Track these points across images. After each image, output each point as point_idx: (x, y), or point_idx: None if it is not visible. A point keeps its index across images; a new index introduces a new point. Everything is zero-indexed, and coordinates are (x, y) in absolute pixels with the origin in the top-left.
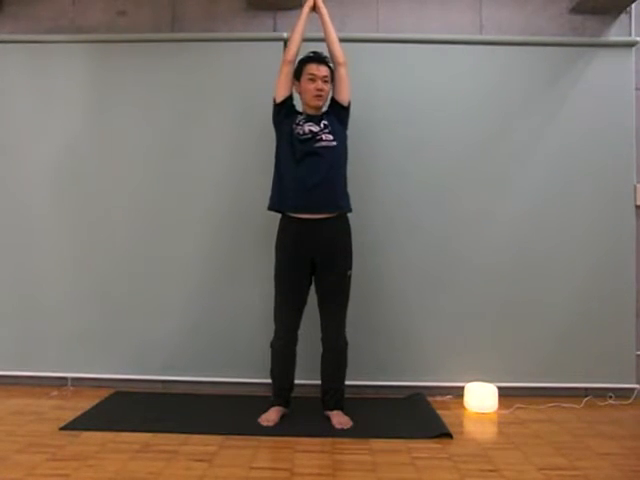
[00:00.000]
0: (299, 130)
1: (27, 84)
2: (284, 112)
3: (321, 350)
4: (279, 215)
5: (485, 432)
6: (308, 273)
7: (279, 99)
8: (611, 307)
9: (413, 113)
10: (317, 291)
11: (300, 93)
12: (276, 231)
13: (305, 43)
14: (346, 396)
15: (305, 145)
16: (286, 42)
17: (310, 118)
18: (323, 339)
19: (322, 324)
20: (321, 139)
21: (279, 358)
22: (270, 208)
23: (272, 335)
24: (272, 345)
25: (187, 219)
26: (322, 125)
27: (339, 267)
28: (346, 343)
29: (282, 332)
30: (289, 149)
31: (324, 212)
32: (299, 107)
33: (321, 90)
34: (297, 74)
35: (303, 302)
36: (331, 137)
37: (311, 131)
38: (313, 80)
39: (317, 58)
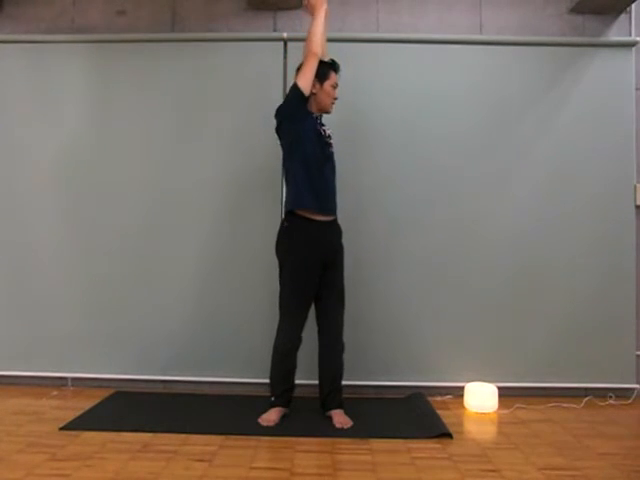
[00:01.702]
0: (322, 131)
1: (27, 84)
2: (305, 107)
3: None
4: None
5: (485, 432)
6: (320, 275)
7: (308, 92)
8: (611, 307)
9: (413, 113)
10: (321, 292)
11: (315, 94)
12: (276, 232)
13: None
14: (346, 396)
15: (329, 148)
16: (286, 42)
17: (322, 122)
18: (324, 340)
19: (324, 325)
20: (331, 144)
21: (286, 360)
22: (297, 207)
23: (270, 335)
24: (279, 347)
25: (187, 219)
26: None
27: (340, 267)
28: (344, 343)
29: (292, 334)
30: (319, 149)
31: (334, 214)
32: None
33: (335, 99)
34: (319, 76)
35: (312, 303)
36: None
37: (329, 135)
38: (334, 88)
39: (338, 69)
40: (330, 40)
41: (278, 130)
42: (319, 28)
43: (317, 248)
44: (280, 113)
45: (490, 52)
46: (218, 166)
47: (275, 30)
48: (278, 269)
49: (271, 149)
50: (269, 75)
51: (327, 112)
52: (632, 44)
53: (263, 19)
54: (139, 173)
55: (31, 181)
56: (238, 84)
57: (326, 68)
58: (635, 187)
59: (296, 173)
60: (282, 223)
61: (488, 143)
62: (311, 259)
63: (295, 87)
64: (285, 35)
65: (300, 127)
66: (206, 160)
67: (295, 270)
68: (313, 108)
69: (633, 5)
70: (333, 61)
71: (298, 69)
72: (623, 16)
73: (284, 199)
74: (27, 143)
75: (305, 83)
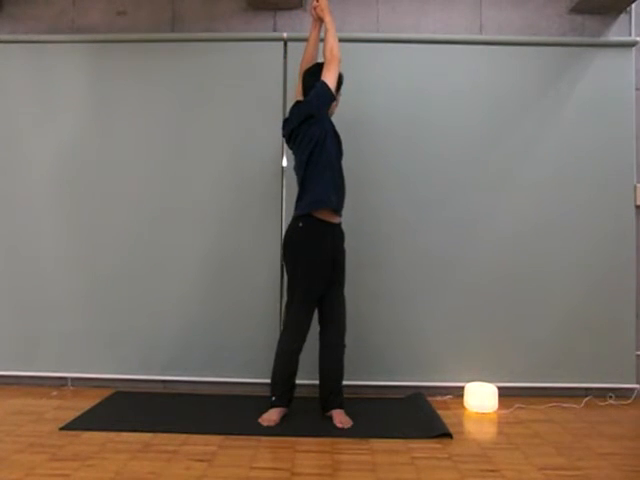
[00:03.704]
0: (337, 131)
1: (27, 84)
2: None
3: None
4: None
5: (485, 432)
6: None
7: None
8: (611, 307)
9: (413, 113)
10: (324, 293)
11: None
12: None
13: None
14: (346, 396)
15: (341, 148)
16: (286, 42)
17: None
18: (326, 340)
19: (327, 325)
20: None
21: (291, 361)
22: (321, 207)
23: (270, 335)
24: (285, 349)
25: (187, 219)
26: None
27: (343, 269)
28: (345, 344)
29: (298, 336)
30: (338, 149)
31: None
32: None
33: None
34: (338, 83)
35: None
36: None
37: None
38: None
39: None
40: None
41: (297, 130)
42: (335, 32)
43: (330, 250)
44: (315, 107)
45: (490, 52)
46: (218, 165)
47: (275, 30)
48: (287, 270)
49: (271, 149)
50: (269, 75)
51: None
52: (632, 44)
53: (263, 19)
54: (140, 173)
55: (32, 181)
56: (238, 84)
57: (341, 78)
58: (635, 187)
59: (321, 173)
60: (295, 223)
61: (488, 143)
62: (325, 261)
63: (327, 86)
64: (285, 35)
65: (325, 126)
66: (206, 160)
67: (310, 272)
68: None
69: (633, 5)
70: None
71: (307, 71)
72: (623, 16)
73: (306, 195)
74: (27, 143)
75: (334, 85)
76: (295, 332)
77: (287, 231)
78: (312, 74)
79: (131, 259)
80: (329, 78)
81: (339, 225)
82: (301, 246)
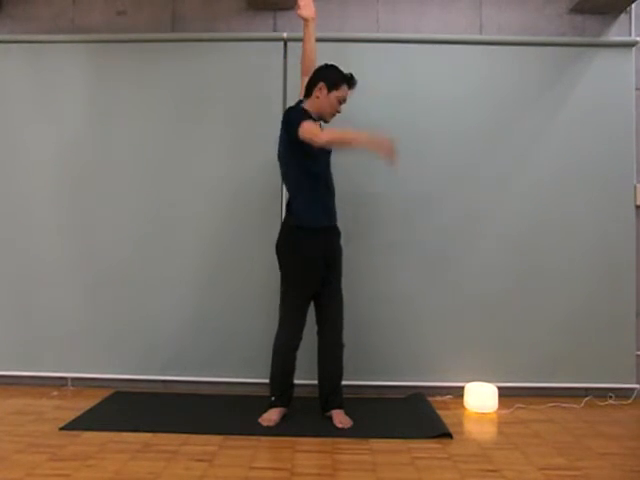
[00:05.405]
0: None
1: (27, 84)
2: (309, 117)
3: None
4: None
5: (485, 432)
6: (323, 275)
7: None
8: (611, 307)
9: (413, 113)
10: (321, 292)
11: (318, 98)
12: (275, 233)
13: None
14: (346, 396)
15: (330, 155)
16: (286, 42)
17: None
18: (325, 340)
19: (324, 325)
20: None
21: (286, 360)
22: (307, 224)
23: (270, 335)
24: (280, 347)
25: (186, 219)
26: None
27: (340, 268)
28: (344, 343)
29: (293, 334)
30: (327, 155)
31: (336, 221)
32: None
33: (338, 113)
34: (329, 82)
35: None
36: None
37: None
38: (340, 102)
39: (353, 84)
40: (330, 40)
41: (292, 142)
42: (342, 137)
43: (320, 249)
44: (289, 133)
45: (490, 52)
46: (218, 166)
47: (275, 30)
48: (279, 268)
49: (271, 150)
50: (269, 75)
51: (324, 121)
52: (632, 44)
53: (263, 19)
54: (140, 172)
55: (31, 181)
56: (238, 84)
57: (339, 78)
58: (635, 187)
59: (309, 189)
60: (287, 222)
61: (488, 143)
62: (315, 260)
63: (302, 130)
64: (285, 35)
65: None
66: (206, 160)
67: (298, 270)
68: (312, 110)
69: (633, 5)
70: (351, 75)
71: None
72: (623, 16)
73: (292, 206)
74: (27, 143)
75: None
76: (286, 332)
77: (279, 232)
78: (310, 79)
79: (131, 259)
80: (305, 134)
81: (331, 226)
82: (290, 248)
